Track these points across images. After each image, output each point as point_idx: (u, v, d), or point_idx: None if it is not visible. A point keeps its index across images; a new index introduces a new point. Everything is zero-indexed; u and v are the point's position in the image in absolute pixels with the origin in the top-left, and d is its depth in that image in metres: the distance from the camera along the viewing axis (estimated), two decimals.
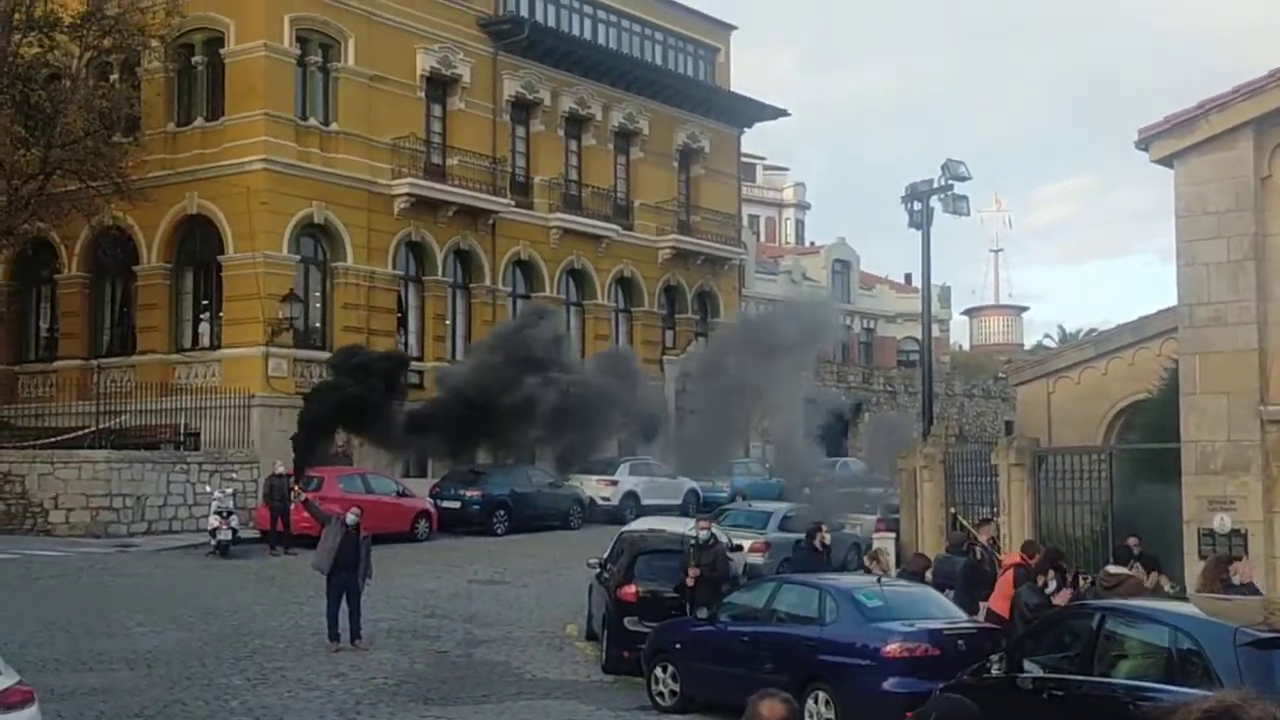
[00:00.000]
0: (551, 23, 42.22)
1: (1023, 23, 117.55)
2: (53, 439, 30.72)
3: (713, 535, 18.17)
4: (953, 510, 21.43)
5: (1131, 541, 14.92)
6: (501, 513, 31.91)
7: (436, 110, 38.29)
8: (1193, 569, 14.76)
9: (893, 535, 24.25)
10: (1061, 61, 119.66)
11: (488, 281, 38.80)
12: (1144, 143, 15.90)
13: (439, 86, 38.20)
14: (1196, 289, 15.48)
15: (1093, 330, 42.87)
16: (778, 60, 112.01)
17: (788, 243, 75.97)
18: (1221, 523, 15.05)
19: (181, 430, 32.15)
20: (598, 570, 19.33)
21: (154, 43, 33.67)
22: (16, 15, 31.10)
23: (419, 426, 32.32)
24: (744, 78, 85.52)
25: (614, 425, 35.98)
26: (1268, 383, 14.97)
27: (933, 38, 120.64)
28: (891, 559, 23.15)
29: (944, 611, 14.34)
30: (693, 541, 17.65)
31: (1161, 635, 10.24)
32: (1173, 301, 16.53)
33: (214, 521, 26.39)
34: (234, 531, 26.44)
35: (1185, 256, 15.56)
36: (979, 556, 17.05)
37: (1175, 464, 15.73)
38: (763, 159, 76.55)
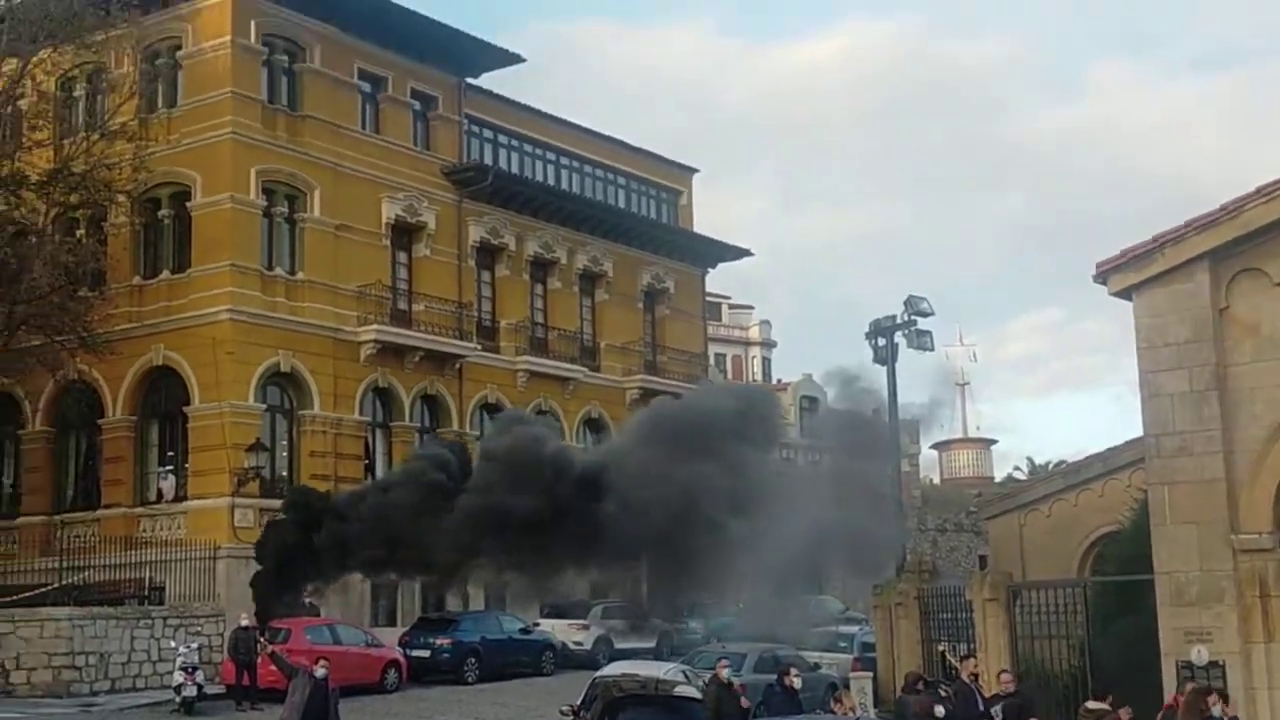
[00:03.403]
0: (515, 169, 42.84)
1: (989, 163, 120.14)
2: (14, 597, 30.14)
3: (731, 679, 17.97)
4: (940, 647, 21.25)
5: (1100, 704, 14.50)
6: (472, 660, 31.38)
7: (402, 257, 38.57)
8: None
9: (870, 674, 24.03)
10: (1028, 198, 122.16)
11: (455, 426, 38.71)
12: (1102, 276, 16.18)
13: (404, 234, 38.54)
14: (1161, 420, 15.61)
15: (1062, 462, 43.07)
16: (749, 202, 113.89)
17: (755, 380, 76.26)
18: (1199, 654, 14.98)
19: (146, 584, 31.60)
20: (570, 717, 18.99)
21: (121, 198, 33.92)
22: None
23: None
24: (713, 218, 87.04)
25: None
26: (1237, 512, 15.03)
27: (900, 179, 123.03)
28: (869, 698, 22.92)
29: None
30: (716, 683, 17.52)
31: None
32: (1141, 432, 16.64)
33: (179, 678, 25.83)
34: (199, 687, 25.87)
35: (1149, 388, 15.72)
36: (945, 693, 16.87)
37: (1150, 595, 15.69)
38: (728, 298, 77.21)
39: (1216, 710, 12.88)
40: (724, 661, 18.47)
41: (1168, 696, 14.83)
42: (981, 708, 16.04)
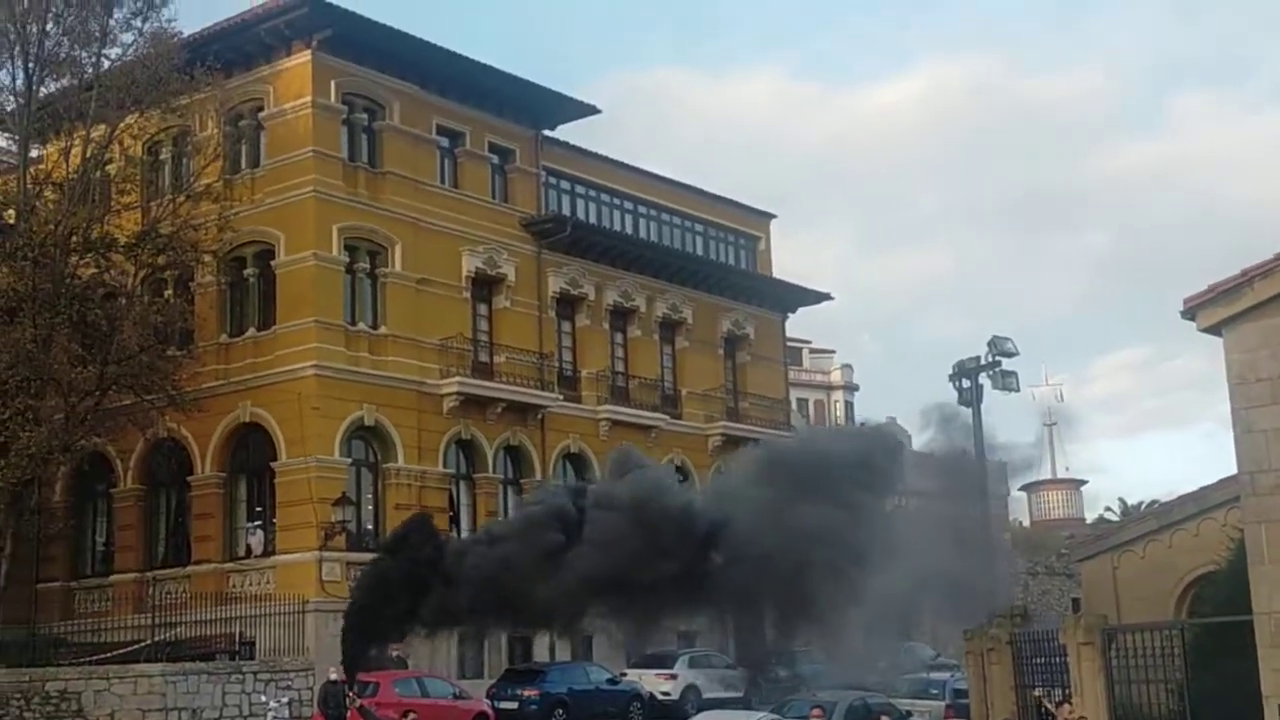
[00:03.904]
0: (593, 219, 43.10)
1: (1069, 199, 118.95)
2: (108, 654, 30.58)
3: None
4: (1036, 693, 20.83)
5: None
6: (560, 711, 31.27)
7: (483, 309, 38.87)
8: None
9: None
10: (1110, 235, 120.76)
11: (538, 476, 38.81)
12: (1190, 312, 15.89)
13: (484, 286, 38.84)
14: (1256, 456, 15.26)
15: (1155, 502, 42.24)
16: (828, 246, 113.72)
17: (838, 424, 75.79)
18: None
19: (236, 639, 31.95)
20: None
21: (207, 258, 34.60)
22: (74, 238, 32.05)
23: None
24: (792, 263, 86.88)
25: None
26: None
27: (980, 218, 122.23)
28: None
29: None
30: None
31: None
32: (1235, 470, 16.27)
33: None
34: None
35: (1241, 424, 15.38)
36: None
37: (1250, 637, 15.28)
38: (809, 342, 76.99)
39: None
40: (818, 710, 18.25)
41: None
42: None
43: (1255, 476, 15.28)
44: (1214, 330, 15.73)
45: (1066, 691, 19.35)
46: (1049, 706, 19.20)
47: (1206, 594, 20.91)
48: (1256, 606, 15.18)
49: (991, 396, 31.00)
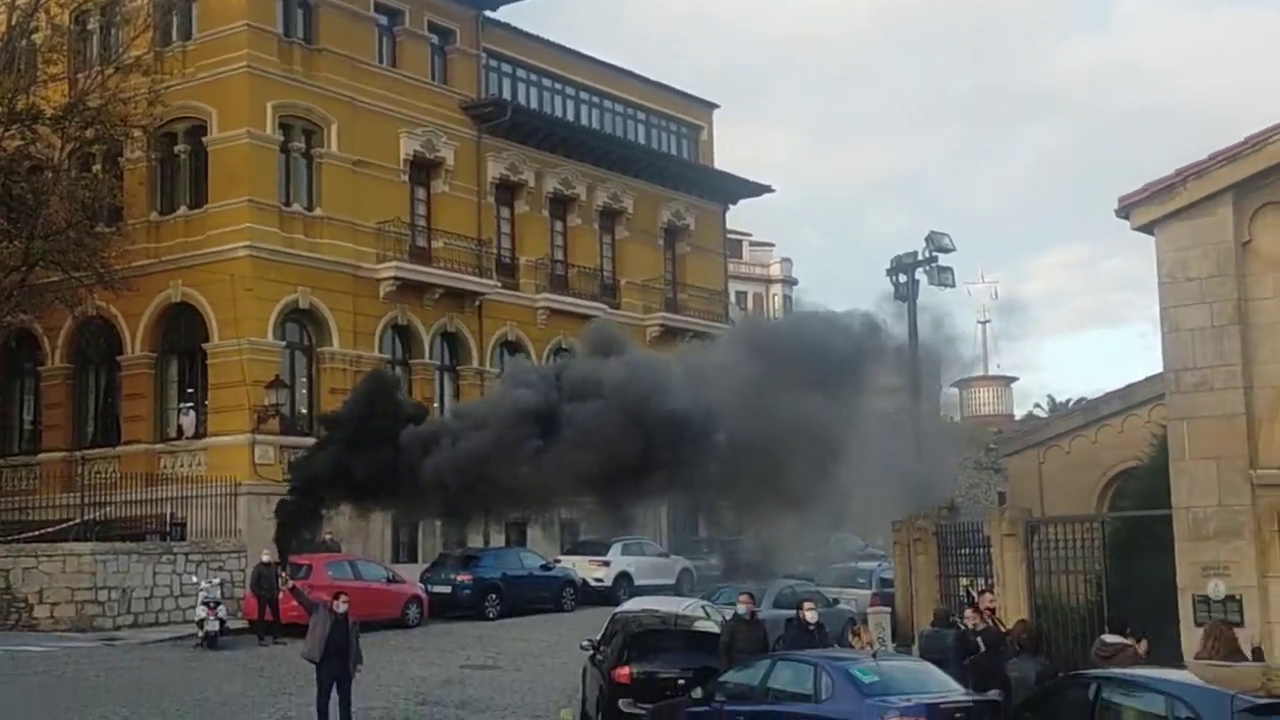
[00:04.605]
0: (534, 104, 42.57)
1: (1015, 98, 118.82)
2: (36, 532, 30.42)
3: (752, 611, 18.01)
4: (965, 582, 21.23)
5: (1116, 637, 14.19)
6: (493, 596, 31.61)
7: (421, 193, 38.45)
8: (1188, 636, 14.61)
9: (888, 609, 24.07)
10: (1056, 133, 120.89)
11: (475, 363, 38.76)
12: (1124, 210, 15.99)
13: (423, 170, 38.39)
14: (1182, 355, 15.48)
15: (1082, 399, 42.87)
16: (776, 140, 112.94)
17: (776, 317, 76.11)
18: (1216, 589, 14.94)
19: (167, 520, 31.87)
20: (591, 652, 19.12)
21: (136, 133, 33.83)
22: None
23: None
24: (740, 156, 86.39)
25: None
26: (1256, 447, 14.93)
27: (927, 115, 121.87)
28: (888, 632, 22.98)
29: (941, 685, 14.14)
30: (735, 617, 17.56)
31: (1158, 704, 10.12)
32: (1161, 368, 16.51)
33: (201, 612, 26.12)
34: (222, 622, 26.15)
35: (1169, 323, 15.58)
36: (963, 627, 16.90)
37: (1168, 530, 15.64)
38: (749, 235, 76.95)
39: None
40: (746, 596, 18.50)
41: (1184, 630, 14.82)
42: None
43: (1180, 374, 15.52)
44: (1147, 229, 15.85)
45: (989, 581, 19.74)
46: (972, 595, 19.58)
47: (1128, 489, 21.38)
48: (1175, 501, 15.51)
49: (928, 292, 31.22)
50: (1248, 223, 15.21)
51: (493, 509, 24.96)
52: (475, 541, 35.37)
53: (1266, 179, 15.10)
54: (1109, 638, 13.79)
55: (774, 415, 20.40)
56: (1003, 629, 16.47)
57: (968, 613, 16.71)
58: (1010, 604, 18.74)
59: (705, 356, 25.51)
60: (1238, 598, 14.82)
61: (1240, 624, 14.28)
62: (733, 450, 20.68)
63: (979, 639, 15.93)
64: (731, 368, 22.29)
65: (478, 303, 38.88)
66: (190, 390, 34.64)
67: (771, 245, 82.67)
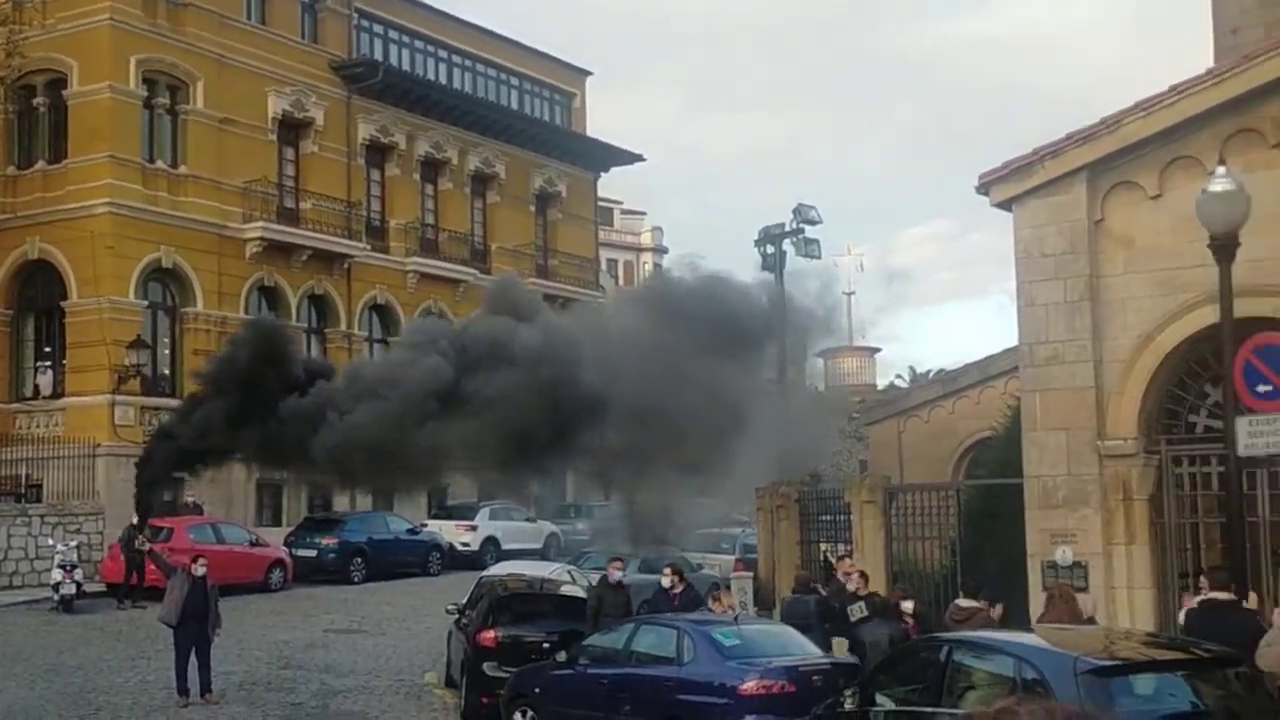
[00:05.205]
0: (406, 66, 42.13)
1: (886, 74, 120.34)
2: None
3: (621, 579, 18.20)
4: (825, 548, 21.68)
5: (970, 602, 14.52)
6: (359, 560, 31.50)
7: (289, 153, 37.87)
8: (1037, 601, 15.14)
9: (750, 574, 24.50)
10: (923, 111, 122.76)
11: (343, 326, 38.38)
12: (984, 187, 16.39)
13: (291, 130, 37.80)
14: (1036, 329, 15.95)
15: (942, 370, 43.86)
16: (648, 109, 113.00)
17: (684, 278, 76.23)
18: (1064, 555, 15.48)
19: (23, 482, 31.11)
20: (456, 616, 19.21)
21: None
22: None
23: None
24: (613, 126, 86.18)
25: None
26: (1104, 419, 15.48)
27: (800, 89, 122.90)
28: (750, 597, 23.41)
29: (801, 649, 14.51)
30: (603, 583, 17.75)
31: (1006, 665, 10.49)
32: (1017, 341, 17.01)
33: (57, 575, 25.60)
34: (78, 585, 25.67)
35: (1025, 297, 16.04)
36: (823, 592, 17.31)
37: (1020, 499, 16.15)
38: (620, 203, 77.05)
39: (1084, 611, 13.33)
40: (619, 562, 18.75)
41: (1033, 594, 15.35)
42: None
43: (1034, 348, 16.00)
44: (1006, 206, 16.27)
45: (849, 547, 20.19)
46: (831, 560, 20.04)
47: (983, 458, 22.02)
48: (1027, 470, 16.01)
49: (794, 263, 31.69)
50: (1100, 202, 15.70)
51: (392, 479, 24.30)
52: (341, 505, 35.16)
53: (1119, 160, 15.60)
54: (963, 602, 14.23)
55: (682, 383, 20.27)
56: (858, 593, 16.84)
57: (854, 577, 16.91)
58: (870, 568, 19.18)
59: (614, 321, 24.67)
60: (1084, 564, 15.37)
61: (1085, 589, 14.84)
62: (639, 419, 20.38)
63: (861, 604, 16.11)
64: (642, 334, 21.76)
65: (346, 265, 38.47)
66: (48, 349, 33.79)
67: (643, 214, 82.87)
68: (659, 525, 28.52)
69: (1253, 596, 12.40)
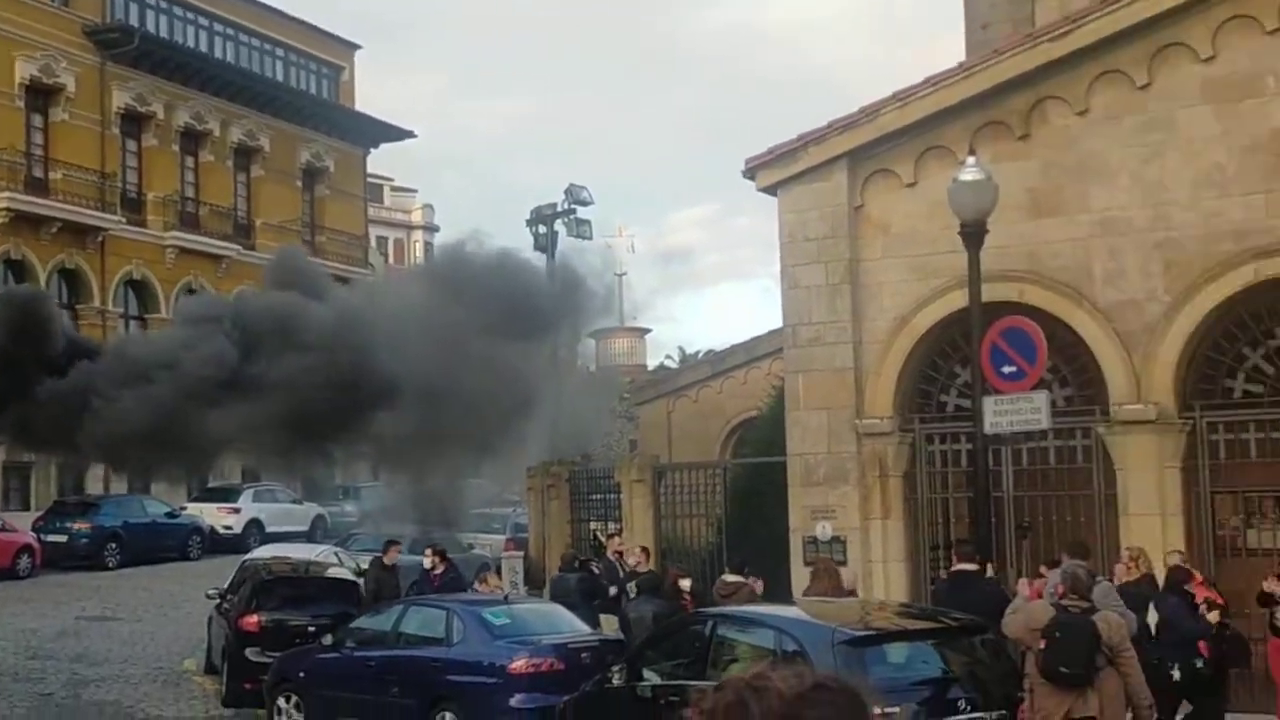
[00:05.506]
0: (164, 33, 40.56)
1: (668, 55, 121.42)
2: None
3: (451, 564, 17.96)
4: (592, 526, 21.85)
5: (736, 577, 14.68)
6: (113, 545, 30.36)
7: (38, 121, 36.11)
8: (799, 575, 15.61)
9: (521, 554, 24.55)
10: (696, 94, 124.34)
11: (97, 302, 36.82)
12: (750, 172, 16.76)
13: (40, 96, 36.04)
14: (799, 311, 16.41)
15: (710, 351, 44.68)
16: (420, 84, 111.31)
17: (416, 264, 75.50)
18: (823, 530, 15.99)
19: None
20: (218, 601, 18.72)
21: None
22: None
23: None
24: (385, 102, 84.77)
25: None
26: (863, 399, 16.03)
27: (575, 70, 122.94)
28: (520, 576, 23.45)
29: (570, 626, 14.64)
30: (379, 565, 17.53)
31: (768, 638, 10.81)
32: (782, 323, 17.46)
33: None
34: None
35: (789, 280, 16.48)
36: (597, 570, 17.50)
37: (783, 476, 16.61)
38: (391, 179, 75.91)
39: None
40: (398, 545, 18.56)
41: (795, 569, 15.82)
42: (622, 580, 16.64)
43: (797, 329, 16.46)
44: (771, 190, 16.68)
45: (619, 526, 20.42)
46: (601, 539, 20.23)
47: (749, 437, 22.55)
48: (790, 449, 16.48)
49: (567, 243, 31.79)
50: (860, 188, 16.23)
51: (167, 467, 23.15)
52: (95, 488, 33.81)
53: (877, 148, 16.14)
54: (728, 577, 14.56)
55: (471, 362, 19.74)
56: (625, 570, 17.05)
57: (635, 552, 17.00)
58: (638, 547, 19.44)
59: (403, 299, 23.52)
60: (843, 539, 15.92)
61: (844, 563, 15.36)
62: (430, 399, 19.69)
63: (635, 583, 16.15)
64: (434, 313, 20.81)
65: (100, 239, 36.91)
66: None
67: (414, 191, 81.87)
68: (448, 507, 28.21)
69: (989, 567, 12.96)
